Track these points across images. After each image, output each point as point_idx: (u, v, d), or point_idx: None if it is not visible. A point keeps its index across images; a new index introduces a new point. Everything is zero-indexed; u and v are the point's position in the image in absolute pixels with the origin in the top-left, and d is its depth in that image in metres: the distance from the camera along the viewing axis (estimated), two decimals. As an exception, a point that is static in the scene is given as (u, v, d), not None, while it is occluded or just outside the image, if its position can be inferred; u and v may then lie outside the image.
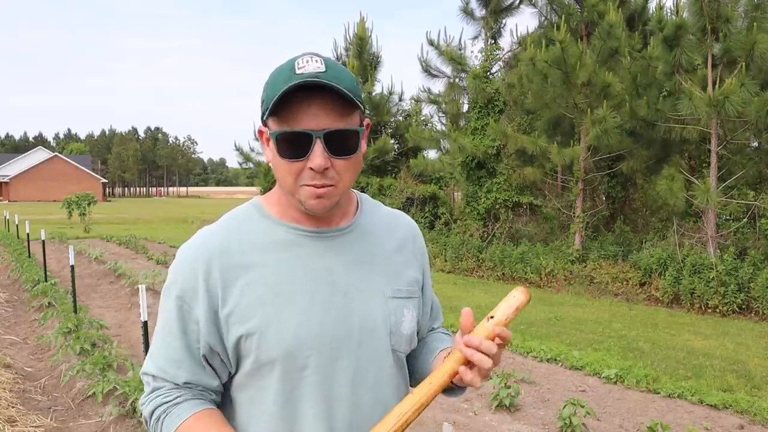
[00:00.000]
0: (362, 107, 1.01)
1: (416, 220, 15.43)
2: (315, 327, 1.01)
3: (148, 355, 1.08)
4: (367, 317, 1.06)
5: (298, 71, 0.95)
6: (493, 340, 0.95)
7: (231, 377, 1.07)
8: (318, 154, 0.95)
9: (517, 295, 0.97)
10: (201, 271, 1.02)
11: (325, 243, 1.07)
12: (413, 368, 1.22)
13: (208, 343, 1.03)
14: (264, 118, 1.01)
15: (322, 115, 0.95)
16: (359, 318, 1.05)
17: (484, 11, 14.25)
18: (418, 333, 1.21)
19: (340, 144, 0.97)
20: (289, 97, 0.94)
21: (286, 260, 1.04)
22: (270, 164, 1.04)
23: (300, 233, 1.06)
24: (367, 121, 1.06)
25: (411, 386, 1.22)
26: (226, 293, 1.01)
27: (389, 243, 1.15)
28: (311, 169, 0.97)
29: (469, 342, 0.94)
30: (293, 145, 0.97)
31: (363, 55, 16.34)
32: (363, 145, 1.04)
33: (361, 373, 1.05)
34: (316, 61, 0.97)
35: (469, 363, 0.95)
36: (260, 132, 1.06)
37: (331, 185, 0.99)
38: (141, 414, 1.03)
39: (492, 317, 0.96)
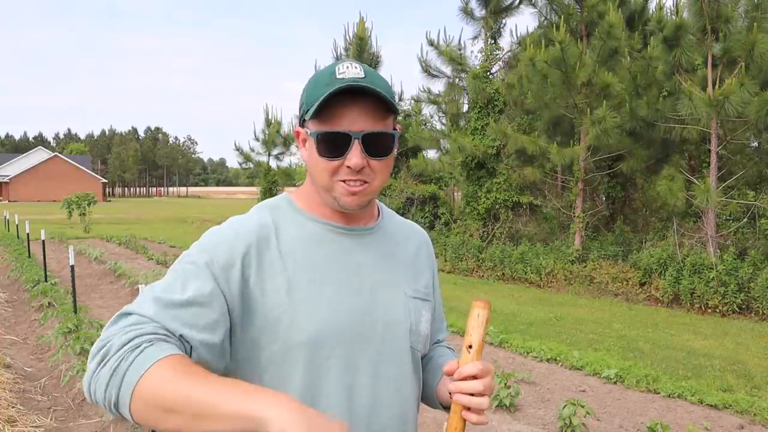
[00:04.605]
0: (397, 113, 1.07)
1: (416, 221, 15.55)
2: (343, 318, 1.05)
3: (139, 300, 0.97)
4: (391, 313, 1.11)
5: (339, 76, 1.01)
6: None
7: (250, 367, 1.05)
8: (356, 154, 1.01)
9: (480, 313, 1.02)
10: (238, 250, 1.02)
11: (354, 240, 1.12)
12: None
13: (233, 320, 1.00)
14: (303, 119, 1.06)
15: (361, 117, 1.01)
16: (384, 313, 1.10)
17: (483, 11, 14.25)
18: None
19: (376, 145, 1.03)
20: (331, 100, 1.00)
21: (317, 252, 1.08)
22: (305, 162, 1.09)
23: (330, 228, 1.11)
24: (398, 126, 1.11)
25: None
26: (259, 277, 1.03)
27: (408, 247, 1.22)
28: (348, 167, 1.02)
29: (460, 389, 1.00)
30: (333, 145, 1.02)
31: (363, 55, 16.32)
32: (395, 149, 1.10)
33: (382, 367, 1.08)
34: (356, 67, 1.02)
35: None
36: (297, 132, 1.11)
37: (366, 182, 1.05)
38: (100, 349, 0.88)
39: (470, 346, 1.01)
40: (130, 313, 0.94)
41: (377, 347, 1.08)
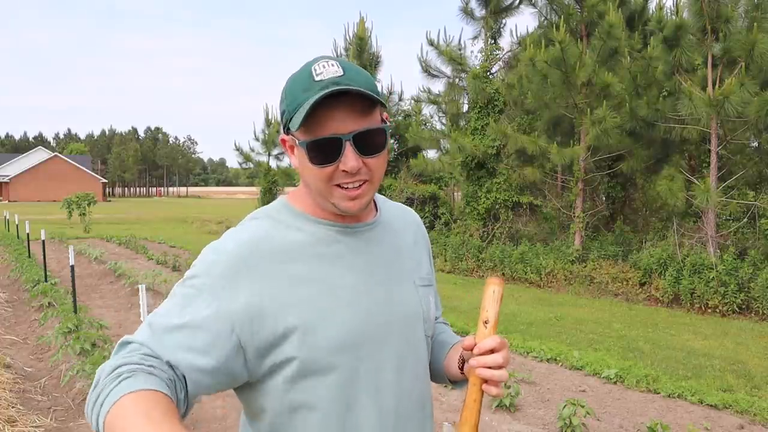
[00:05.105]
0: (383, 103, 1.03)
1: (416, 220, 16.00)
2: (364, 318, 1.04)
3: (140, 327, 0.99)
4: (406, 306, 1.12)
5: (316, 78, 0.97)
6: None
7: (274, 379, 1.02)
8: (350, 157, 0.98)
9: (496, 290, 1.06)
10: (240, 265, 1.00)
11: (358, 237, 1.10)
12: None
13: (239, 338, 0.97)
14: (287, 129, 1.02)
15: (347, 118, 0.98)
16: (399, 307, 1.10)
17: (484, 11, 14.25)
18: None
19: (368, 143, 1.00)
20: (313, 105, 0.96)
21: (325, 255, 1.06)
22: (297, 170, 1.06)
23: (334, 229, 1.09)
24: (385, 114, 1.08)
25: None
26: (270, 288, 1.00)
27: (408, 235, 1.22)
28: (345, 171, 0.99)
29: (482, 363, 1.02)
30: (324, 151, 0.99)
31: (363, 55, 16.32)
32: (387, 141, 1.07)
33: (403, 359, 1.09)
34: (333, 65, 0.98)
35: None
36: (283, 141, 1.07)
37: (365, 181, 1.02)
38: (97, 375, 0.92)
39: (486, 321, 1.05)
40: (128, 342, 0.95)
41: (397, 341, 1.09)
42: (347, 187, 1.01)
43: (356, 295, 1.05)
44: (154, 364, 0.90)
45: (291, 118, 0.99)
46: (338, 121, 0.97)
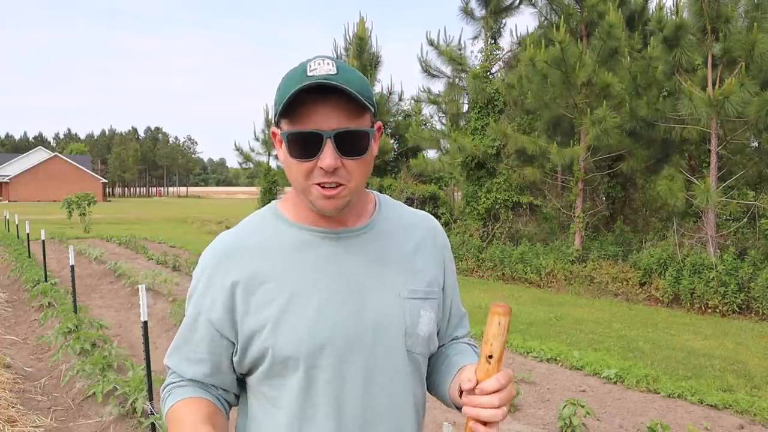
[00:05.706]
0: (373, 110, 1.02)
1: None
2: (328, 326, 1.02)
3: (170, 348, 1.17)
4: (382, 317, 1.06)
5: (309, 73, 0.96)
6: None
7: (250, 382, 1.11)
8: (328, 154, 0.97)
9: (502, 321, 0.92)
10: (218, 275, 1.07)
11: (340, 243, 1.08)
12: (431, 379, 1.20)
13: (228, 339, 1.08)
14: (276, 120, 1.02)
15: (332, 115, 0.97)
16: (373, 318, 1.05)
17: (484, 11, 14.24)
18: (438, 336, 1.19)
19: (350, 144, 0.99)
20: (301, 98, 0.96)
21: (300, 261, 1.05)
22: (282, 165, 1.06)
23: (315, 234, 1.07)
24: (378, 123, 1.07)
25: (428, 391, 1.20)
26: (243, 295, 1.05)
27: (407, 243, 1.14)
28: (321, 168, 0.98)
29: (473, 403, 0.94)
30: (304, 145, 0.98)
31: (363, 55, 16.30)
32: (374, 147, 1.05)
33: (374, 373, 1.05)
34: (328, 63, 0.98)
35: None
36: (273, 133, 1.06)
37: (342, 184, 1.00)
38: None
39: (491, 356, 0.93)
40: (166, 365, 1.16)
41: (368, 354, 1.04)
42: (324, 186, 1.00)
43: (324, 302, 1.03)
44: (182, 379, 1.12)
45: (279, 109, 0.99)
46: (323, 118, 0.97)
